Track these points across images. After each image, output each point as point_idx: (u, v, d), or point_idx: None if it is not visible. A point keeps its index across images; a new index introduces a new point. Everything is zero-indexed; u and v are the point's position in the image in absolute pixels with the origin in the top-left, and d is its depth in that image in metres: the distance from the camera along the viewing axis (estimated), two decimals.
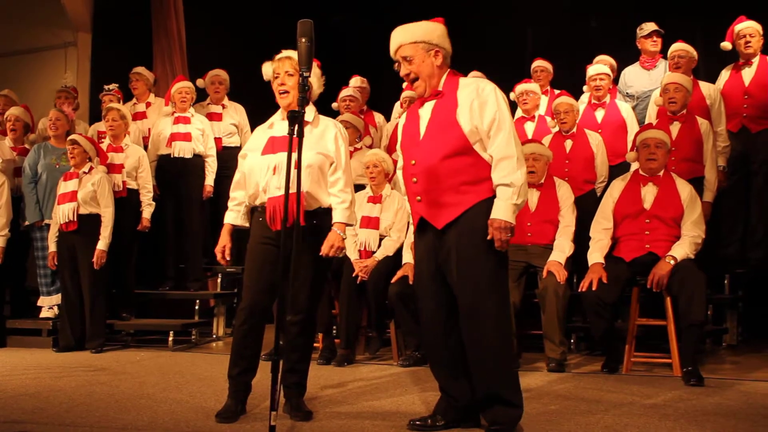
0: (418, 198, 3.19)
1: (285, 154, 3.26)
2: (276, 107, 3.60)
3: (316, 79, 3.55)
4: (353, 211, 3.58)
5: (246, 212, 3.63)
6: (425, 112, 3.22)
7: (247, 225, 3.64)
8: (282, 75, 3.46)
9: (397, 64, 3.24)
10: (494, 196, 3.06)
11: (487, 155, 3.08)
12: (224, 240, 3.60)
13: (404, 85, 6.17)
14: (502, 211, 3.02)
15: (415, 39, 3.17)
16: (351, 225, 3.59)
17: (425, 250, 3.22)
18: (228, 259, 3.58)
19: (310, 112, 3.52)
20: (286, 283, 2.99)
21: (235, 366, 3.46)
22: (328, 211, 3.52)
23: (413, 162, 3.19)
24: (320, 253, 3.42)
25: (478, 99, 3.09)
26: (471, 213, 3.07)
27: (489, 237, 3.02)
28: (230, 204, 3.66)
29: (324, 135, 3.52)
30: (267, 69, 3.55)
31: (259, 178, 3.46)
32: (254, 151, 3.55)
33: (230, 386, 3.47)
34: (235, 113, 7.01)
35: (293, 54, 3.44)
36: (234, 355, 3.47)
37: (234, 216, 3.64)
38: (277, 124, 3.55)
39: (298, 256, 3.04)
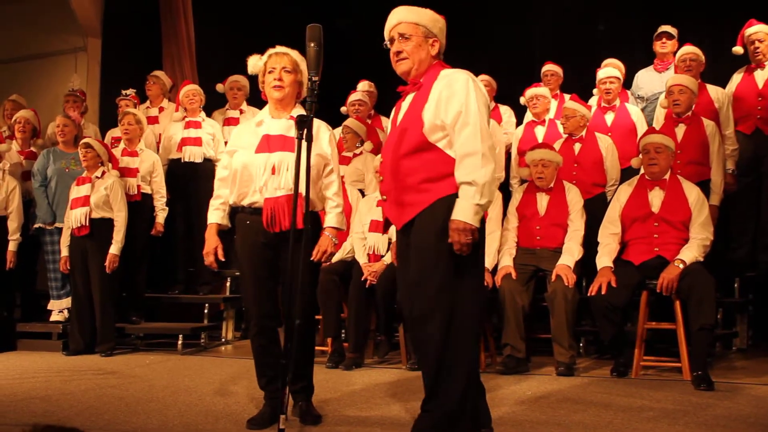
0: (384, 197, 3.11)
1: (282, 154, 3.27)
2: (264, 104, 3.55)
3: (305, 79, 3.43)
4: (344, 216, 3.56)
5: (229, 212, 3.54)
6: (405, 105, 3.07)
7: (229, 225, 3.55)
8: (278, 70, 3.41)
9: (386, 43, 3.07)
10: (457, 194, 2.84)
11: (453, 152, 2.88)
12: (215, 240, 3.47)
13: None
14: (462, 211, 2.78)
15: (418, 21, 3.01)
16: (342, 230, 3.56)
17: (398, 253, 3.12)
18: (222, 259, 3.47)
19: (302, 112, 3.48)
20: (294, 288, 2.96)
21: (263, 376, 3.45)
22: (315, 214, 3.50)
23: (381, 159, 3.10)
24: (311, 258, 3.37)
25: (446, 91, 2.90)
26: (428, 211, 2.89)
27: (449, 240, 2.80)
28: (215, 202, 3.54)
29: (318, 136, 3.43)
30: (256, 62, 3.48)
31: (255, 176, 3.35)
32: (245, 148, 3.41)
33: (264, 395, 3.45)
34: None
35: (290, 51, 3.43)
36: (258, 367, 3.46)
37: (221, 215, 3.53)
38: (268, 122, 3.45)
39: (297, 259, 3.02)
